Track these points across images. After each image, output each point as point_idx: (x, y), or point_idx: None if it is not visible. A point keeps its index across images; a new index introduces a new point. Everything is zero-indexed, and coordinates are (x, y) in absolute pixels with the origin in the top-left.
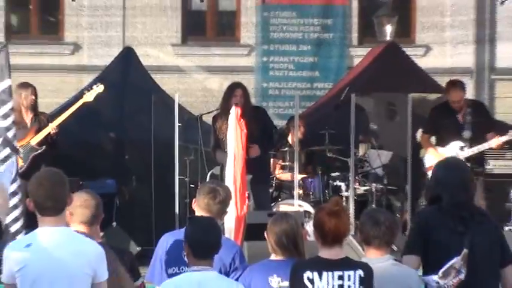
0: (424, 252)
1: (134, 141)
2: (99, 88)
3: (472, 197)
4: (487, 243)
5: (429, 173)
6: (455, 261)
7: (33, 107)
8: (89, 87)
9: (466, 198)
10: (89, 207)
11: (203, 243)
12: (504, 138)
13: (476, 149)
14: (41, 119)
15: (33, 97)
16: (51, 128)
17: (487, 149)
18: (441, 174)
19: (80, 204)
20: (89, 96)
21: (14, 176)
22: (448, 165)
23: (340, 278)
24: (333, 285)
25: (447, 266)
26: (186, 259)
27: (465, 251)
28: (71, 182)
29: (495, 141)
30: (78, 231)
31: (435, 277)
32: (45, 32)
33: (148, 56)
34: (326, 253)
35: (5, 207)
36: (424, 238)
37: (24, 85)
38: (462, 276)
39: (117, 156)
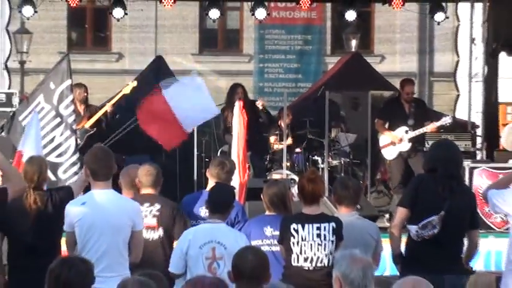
0: (411, 207)
1: None
2: (133, 83)
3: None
4: (461, 210)
5: (383, 150)
6: (434, 218)
7: (85, 101)
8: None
9: (457, 172)
10: (152, 175)
11: (215, 202)
12: (437, 124)
13: (417, 132)
14: (91, 109)
15: (85, 94)
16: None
17: (427, 133)
18: (439, 150)
19: (145, 173)
20: (126, 89)
21: (74, 151)
22: (444, 145)
23: (318, 228)
24: (313, 234)
25: (426, 221)
26: (202, 214)
27: (442, 212)
28: (116, 156)
29: (431, 127)
30: (146, 194)
31: (415, 227)
32: (96, 44)
33: (174, 63)
34: (307, 210)
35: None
36: (415, 196)
37: (78, 85)
38: (436, 231)
39: (151, 138)
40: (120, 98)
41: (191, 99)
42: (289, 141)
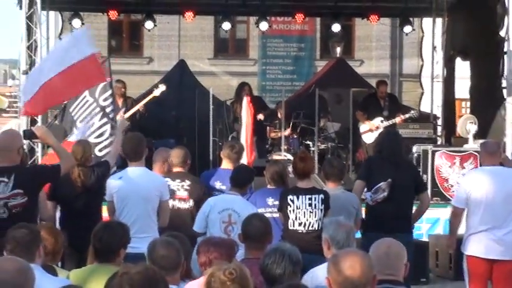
0: (367, 180)
1: (186, 116)
2: (162, 87)
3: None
4: (405, 178)
5: (363, 136)
6: (382, 184)
7: (123, 95)
8: (156, 86)
9: (397, 152)
10: (181, 156)
11: (237, 178)
12: (407, 115)
13: (390, 122)
14: (128, 103)
15: (123, 89)
16: (137, 108)
17: (398, 122)
18: (384, 137)
19: (176, 155)
20: (156, 92)
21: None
22: (388, 133)
23: (310, 199)
24: (305, 204)
25: (377, 186)
26: (216, 187)
27: (389, 180)
28: (147, 140)
29: (401, 117)
30: (177, 171)
31: (369, 193)
32: (131, 50)
33: (193, 65)
34: (301, 184)
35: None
36: (369, 171)
37: (118, 81)
38: (385, 194)
39: (175, 125)
40: (151, 100)
41: (64, 50)
42: (287, 132)
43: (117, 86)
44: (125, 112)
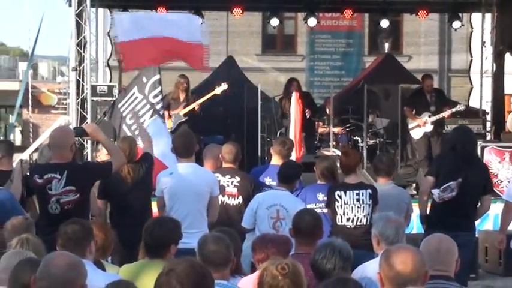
0: (437, 176)
1: (234, 112)
2: (224, 86)
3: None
4: (475, 179)
5: (411, 131)
6: (452, 183)
7: (186, 90)
8: (219, 84)
9: (472, 150)
10: (233, 153)
11: (285, 174)
12: (453, 110)
13: (438, 116)
14: (190, 98)
15: (186, 84)
16: (194, 105)
17: (447, 118)
18: (458, 134)
19: (228, 151)
20: (217, 90)
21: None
22: (462, 129)
23: (357, 194)
24: (353, 199)
25: (446, 185)
26: (266, 183)
27: (459, 179)
28: (196, 136)
29: (448, 112)
30: (227, 167)
31: (438, 190)
32: None
33: (241, 61)
34: (348, 179)
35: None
36: (439, 168)
37: (181, 76)
38: (454, 193)
39: (223, 121)
40: (209, 98)
41: (176, 23)
42: (337, 128)
43: (180, 81)
44: (184, 107)
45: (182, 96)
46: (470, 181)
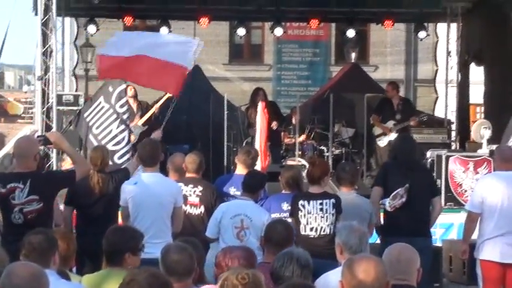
0: (384, 186)
1: (200, 122)
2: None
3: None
4: (421, 183)
5: (377, 139)
6: (400, 190)
7: (134, 96)
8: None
9: (412, 157)
10: (196, 162)
11: (249, 184)
12: (414, 120)
13: (403, 125)
14: (142, 106)
15: (133, 90)
16: (153, 110)
17: (413, 127)
18: (399, 142)
19: (191, 161)
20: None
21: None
22: (403, 138)
23: (321, 204)
24: (316, 208)
25: (395, 193)
26: (231, 193)
27: (407, 185)
28: (161, 145)
29: (413, 121)
30: (190, 177)
31: (388, 199)
32: None
33: (208, 70)
34: (312, 189)
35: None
36: (385, 177)
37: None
38: (404, 199)
39: (188, 130)
40: (165, 101)
41: (165, 44)
42: (302, 137)
43: (131, 89)
44: (140, 116)
45: (135, 106)
46: (417, 185)
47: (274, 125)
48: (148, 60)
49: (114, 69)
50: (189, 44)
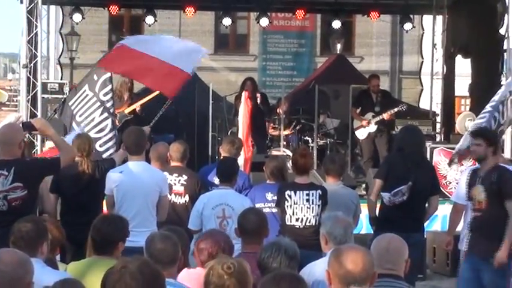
0: (385, 179)
1: (185, 112)
2: None
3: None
4: (424, 180)
5: (356, 132)
6: (403, 187)
7: (130, 90)
8: None
9: (420, 151)
10: (180, 151)
11: (223, 172)
12: (395, 109)
13: (380, 117)
14: (133, 97)
15: (130, 84)
16: (136, 106)
17: (397, 118)
18: (406, 134)
19: (176, 150)
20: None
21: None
22: (410, 129)
23: (307, 194)
24: (303, 199)
25: (397, 189)
26: (215, 182)
27: (410, 183)
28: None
29: (389, 113)
30: (175, 166)
31: (388, 194)
32: None
33: None
34: (299, 179)
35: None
36: (388, 170)
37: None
38: (405, 197)
39: (174, 120)
40: (152, 98)
41: (174, 48)
42: (288, 131)
43: (125, 81)
44: (129, 105)
45: (126, 96)
46: (420, 183)
47: (258, 98)
48: (159, 63)
49: (125, 62)
50: (197, 51)
